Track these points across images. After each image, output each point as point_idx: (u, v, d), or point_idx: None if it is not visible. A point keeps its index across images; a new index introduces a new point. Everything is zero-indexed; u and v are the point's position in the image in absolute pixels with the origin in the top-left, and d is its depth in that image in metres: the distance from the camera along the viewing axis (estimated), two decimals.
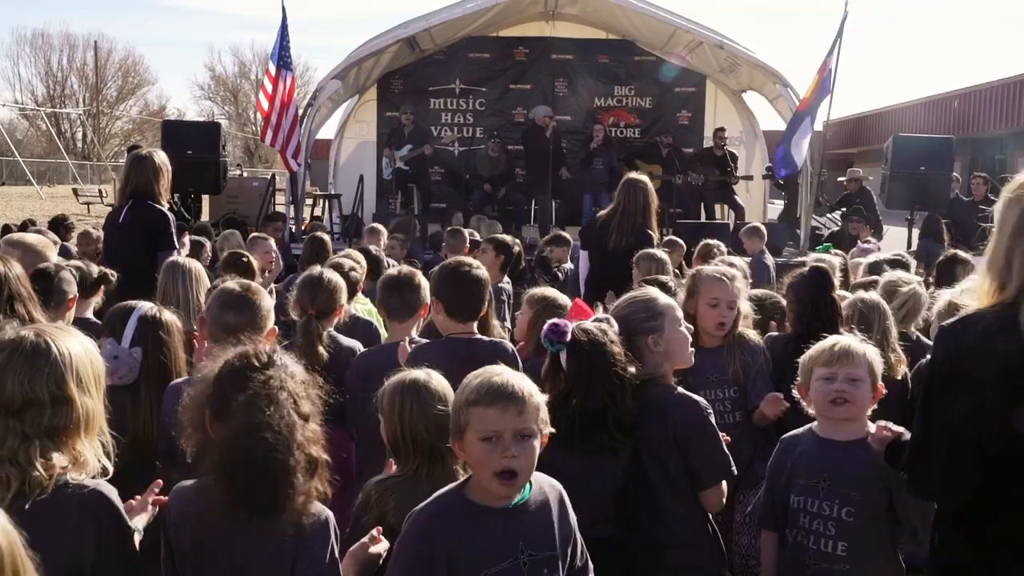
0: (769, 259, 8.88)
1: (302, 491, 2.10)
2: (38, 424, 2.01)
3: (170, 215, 5.57)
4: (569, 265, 8.15)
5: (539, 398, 2.18)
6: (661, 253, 5.52)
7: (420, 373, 2.61)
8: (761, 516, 3.16)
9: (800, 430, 3.11)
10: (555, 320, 2.84)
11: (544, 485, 2.28)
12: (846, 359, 2.96)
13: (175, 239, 5.55)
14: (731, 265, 5.44)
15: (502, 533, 2.15)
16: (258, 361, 2.15)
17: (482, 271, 3.71)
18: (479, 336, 3.66)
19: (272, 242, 6.61)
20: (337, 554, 2.19)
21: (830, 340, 3.07)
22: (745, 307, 3.92)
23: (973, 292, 2.27)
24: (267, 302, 3.28)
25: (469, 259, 3.90)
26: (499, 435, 2.11)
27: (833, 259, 5.59)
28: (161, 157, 5.65)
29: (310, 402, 2.20)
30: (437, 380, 2.59)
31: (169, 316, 3.19)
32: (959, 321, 2.23)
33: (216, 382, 2.17)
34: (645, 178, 6.48)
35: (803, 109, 11.14)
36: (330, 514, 2.18)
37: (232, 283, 3.32)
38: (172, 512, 2.21)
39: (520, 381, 2.17)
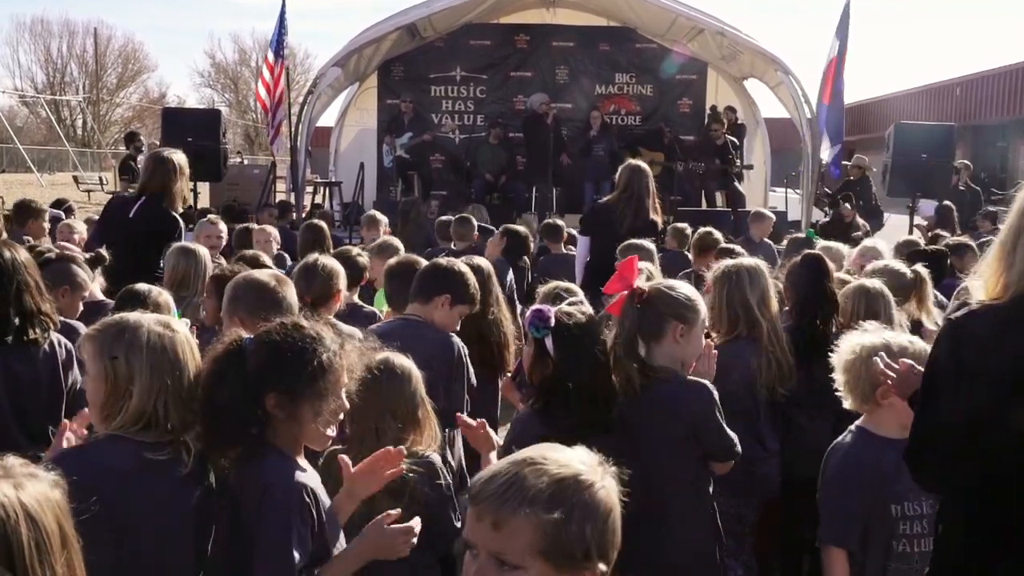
0: (772, 245, 8.94)
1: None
2: None
3: (180, 222, 5.56)
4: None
5: None
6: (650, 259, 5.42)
7: (391, 355, 2.80)
8: (835, 536, 2.82)
9: (850, 438, 2.89)
10: (537, 307, 2.85)
11: None
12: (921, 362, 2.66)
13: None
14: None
15: None
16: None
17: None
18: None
19: (222, 226, 6.50)
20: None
21: (901, 340, 2.84)
22: None
23: (981, 282, 2.14)
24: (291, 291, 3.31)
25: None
26: None
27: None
28: (180, 158, 5.64)
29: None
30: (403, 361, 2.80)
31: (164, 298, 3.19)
32: (967, 314, 2.11)
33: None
34: (645, 165, 6.52)
35: (830, 103, 11.21)
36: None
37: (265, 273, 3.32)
38: None
39: None
